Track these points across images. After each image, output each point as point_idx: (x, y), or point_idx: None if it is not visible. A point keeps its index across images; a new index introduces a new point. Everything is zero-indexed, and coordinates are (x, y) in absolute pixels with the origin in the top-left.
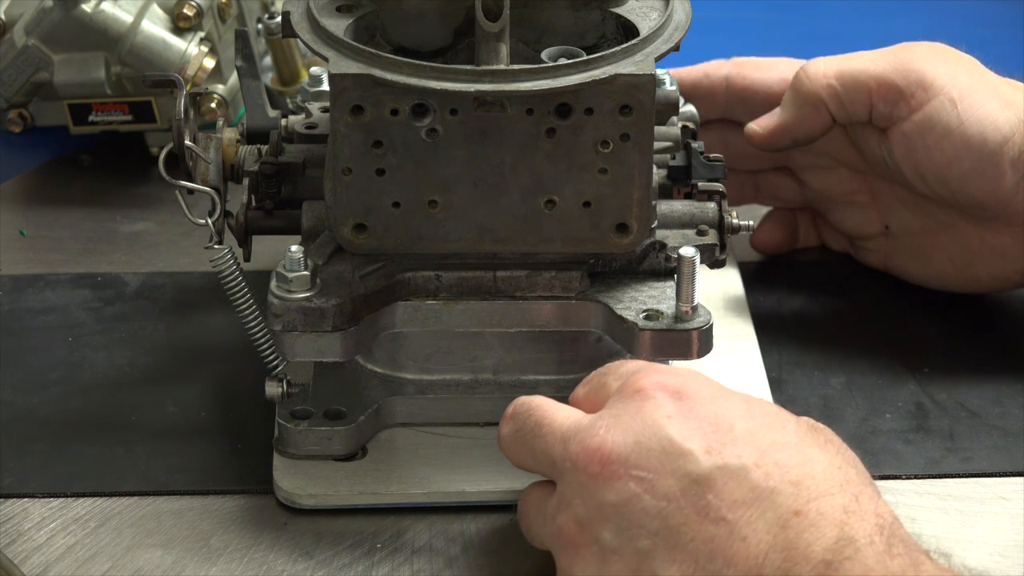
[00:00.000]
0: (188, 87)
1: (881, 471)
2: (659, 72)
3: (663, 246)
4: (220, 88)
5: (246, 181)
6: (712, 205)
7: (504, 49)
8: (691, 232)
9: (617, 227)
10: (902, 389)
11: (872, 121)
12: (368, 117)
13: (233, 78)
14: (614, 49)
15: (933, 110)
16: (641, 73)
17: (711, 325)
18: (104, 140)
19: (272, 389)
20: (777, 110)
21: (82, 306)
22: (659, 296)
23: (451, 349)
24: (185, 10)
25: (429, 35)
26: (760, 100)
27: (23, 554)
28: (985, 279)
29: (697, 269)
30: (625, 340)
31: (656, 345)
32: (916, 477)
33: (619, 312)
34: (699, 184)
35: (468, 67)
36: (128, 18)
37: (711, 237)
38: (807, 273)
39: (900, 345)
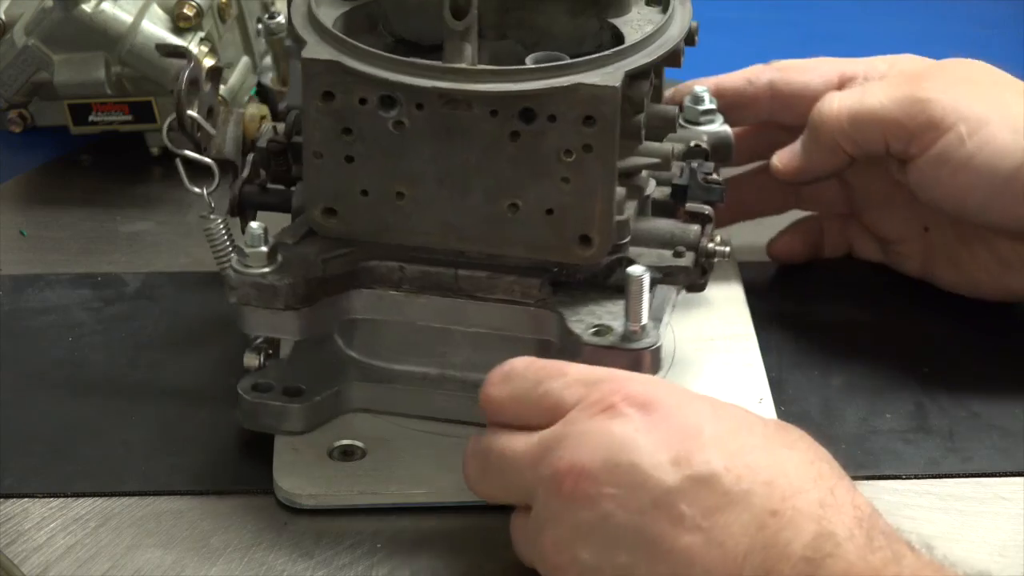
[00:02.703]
0: (207, 68)
1: (881, 471)
2: (697, 89)
3: (631, 263)
4: (220, 88)
5: (250, 156)
6: (696, 227)
7: (469, 49)
8: (668, 252)
9: (580, 238)
10: (902, 389)
11: (890, 154)
12: (338, 104)
13: (233, 78)
14: (585, 58)
15: (943, 148)
16: (605, 84)
17: (659, 347)
18: (104, 140)
19: (250, 360)
20: (798, 146)
21: (82, 306)
22: (617, 312)
23: (421, 342)
24: (185, 10)
25: (429, 29)
26: (806, 104)
27: (23, 554)
28: (1018, 289)
29: (646, 288)
30: (573, 353)
31: (599, 361)
32: (916, 477)
33: (570, 324)
34: (687, 205)
35: (434, 63)
36: (128, 18)
37: (686, 260)
38: (807, 273)
39: (900, 345)
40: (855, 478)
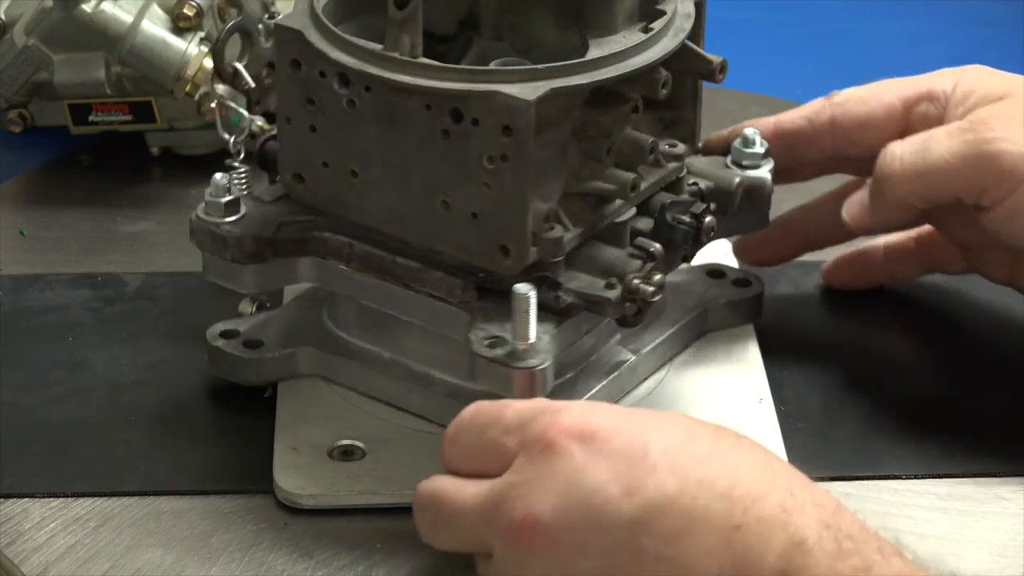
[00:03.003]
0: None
1: (881, 471)
2: (748, 132)
3: (557, 284)
4: (220, 88)
5: None
6: (636, 263)
7: (406, 40)
8: (602, 282)
9: (500, 247)
10: (902, 389)
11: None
12: (303, 74)
13: None
14: (514, 67)
15: (1015, 201)
16: (520, 97)
17: (542, 369)
18: (104, 140)
19: (244, 307)
20: (867, 198)
21: (82, 306)
22: None
23: (378, 323)
24: (185, 10)
25: (437, 20)
26: (871, 138)
27: (23, 554)
28: None
29: (531, 308)
30: (471, 363)
31: (484, 373)
32: (916, 477)
33: (471, 331)
34: (637, 239)
35: (375, 49)
36: (128, 18)
37: (613, 293)
38: (807, 272)
39: (901, 345)
40: (855, 478)
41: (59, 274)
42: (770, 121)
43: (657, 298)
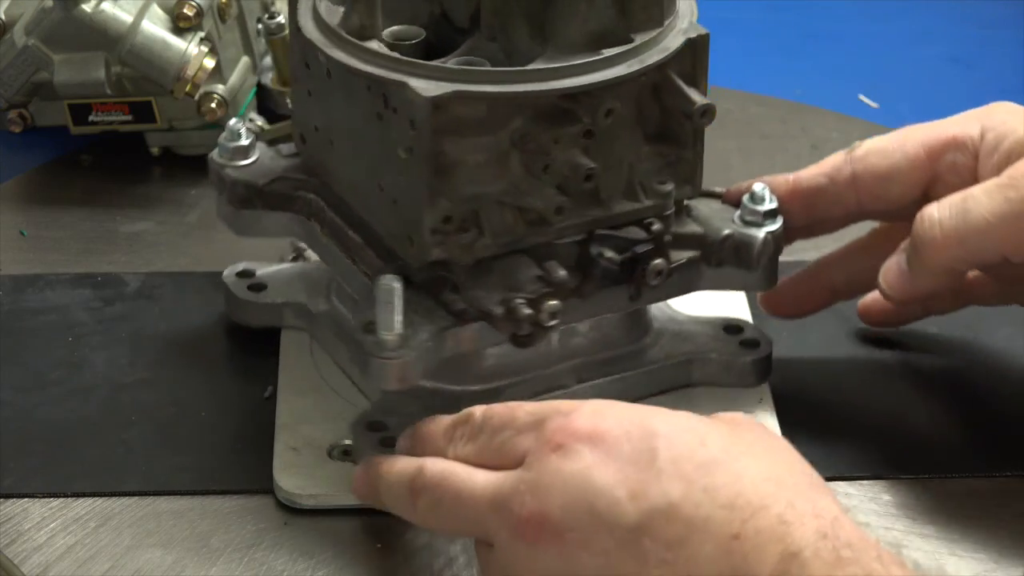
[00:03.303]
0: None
1: (881, 471)
2: (756, 188)
3: (456, 288)
4: (220, 88)
5: None
6: (537, 288)
7: (356, 20)
8: (499, 296)
9: (408, 237)
10: (903, 389)
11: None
12: (302, 39)
13: (233, 78)
14: (430, 64)
15: None
16: (419, 92)
17: (399, 363)
18: (104, 140)
19: (286, 253)
20: (904, 264)
21: (82, 306)
22: (409, 322)
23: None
24: (185, 10)
25: (455, 11)
26: (896, 192)
27: (23, 554)
28: None
29: (395, 300)
30: None
31: (354, 356)
32: (916, 477)
33: (365, 312)
34: (548, 263)
35: (337, 29)
36: (128, 18)
37: (498, 310)
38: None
39: (901, 345)
40: (855, 478)
41: (59, 274)
42: (788, 179)
43: (551, 324)
